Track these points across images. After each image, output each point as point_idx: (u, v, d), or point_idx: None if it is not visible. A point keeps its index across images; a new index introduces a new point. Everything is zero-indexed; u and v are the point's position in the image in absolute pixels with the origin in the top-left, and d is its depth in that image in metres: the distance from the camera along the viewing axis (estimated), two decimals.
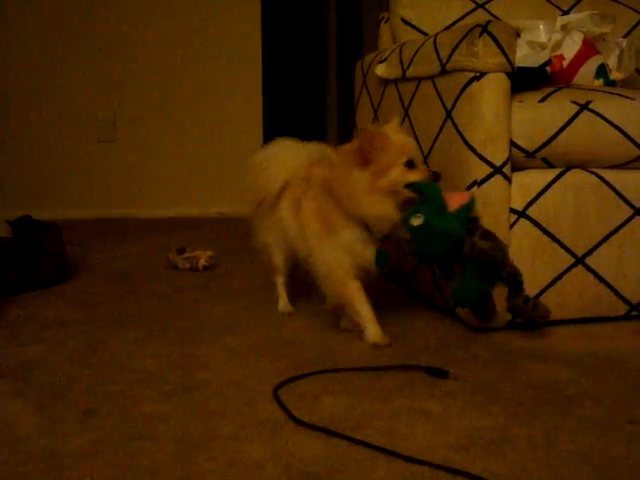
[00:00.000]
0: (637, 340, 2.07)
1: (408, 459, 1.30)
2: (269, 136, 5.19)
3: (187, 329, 2.13)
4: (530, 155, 2.06)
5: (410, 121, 2.34)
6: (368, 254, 1.96)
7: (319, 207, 2.03)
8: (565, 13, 2.69)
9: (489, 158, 2.01)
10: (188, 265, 2.95)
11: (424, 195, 1.89)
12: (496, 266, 1.90)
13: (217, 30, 4.66)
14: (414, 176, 1.89)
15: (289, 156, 2.19)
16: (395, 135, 1.93)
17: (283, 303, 2.30)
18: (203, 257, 2.98)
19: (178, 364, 1.82)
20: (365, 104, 2.77)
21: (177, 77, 4.65)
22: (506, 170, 2.03)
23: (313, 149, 2.19)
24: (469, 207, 1.91)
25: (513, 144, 2.04)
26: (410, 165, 1.90)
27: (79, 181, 4.58)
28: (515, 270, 1.93)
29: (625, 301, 2.18)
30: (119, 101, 4.60)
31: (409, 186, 1.89)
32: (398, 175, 1.89)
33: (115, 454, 1.33)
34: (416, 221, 1.87)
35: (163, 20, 4.60)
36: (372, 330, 1.96)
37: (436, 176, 1.92)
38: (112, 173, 4.63)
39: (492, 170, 2.01)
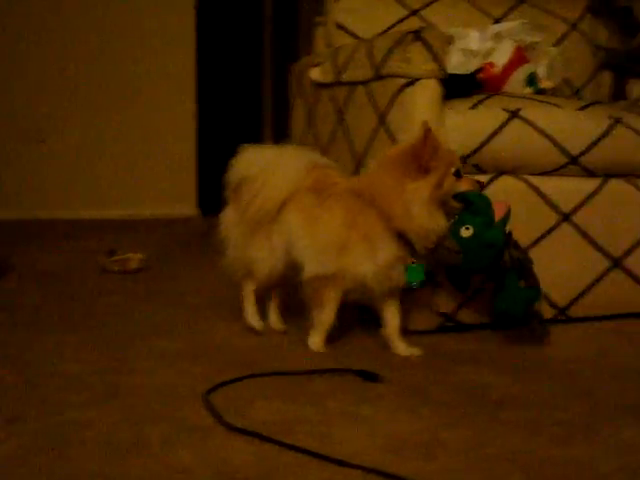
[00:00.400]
0: (563, 344, 2.11)
1: (340, 463, 1.29)
2: (203, 138, 5.18)
3: (115, 333, 2.09)
4: (461, 161, 2.08)
5: (344, 125, 2.35)
6: (396, 272, 1.87)
7: (352, 219, 1.87)
8: (497, 22, 2.73)
9: None
10: (117, 268, 2.90)
11: (474, 205, 1.86)
12: (527, 275, 1.93)
13: (151, 29, 4.62)
14: (464, 186, 1.86)
15: (289, 167, 1.97)
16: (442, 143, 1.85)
17: (252, 313, 2.11)
18: (134, 260, 2.94)
19: (106, 368, 1.79)
20: (299, 107, 2.77)
21: (109, 76, 4.60)
22: None
23: (309, 157, 2.01)
24: (507, 218, 1.92)
25: None
26: (458, 175, 1.85)
27: (7, 181, 4.47)
28: (537, 282, 1.96)
29: (552, 305, 2.23)
30: (49, 100, 4.52)
31: (456, 196, 1.86)
32: (450, 185, 1.83)
33: (42, 461, 1.30)
34: (466, 232, 1.85)
35: (96, 19, 4.54)
36: (317, 338, 1.94)
37: (482, 185, 1.92)
38: (42, 173, 4.54)
39: None
